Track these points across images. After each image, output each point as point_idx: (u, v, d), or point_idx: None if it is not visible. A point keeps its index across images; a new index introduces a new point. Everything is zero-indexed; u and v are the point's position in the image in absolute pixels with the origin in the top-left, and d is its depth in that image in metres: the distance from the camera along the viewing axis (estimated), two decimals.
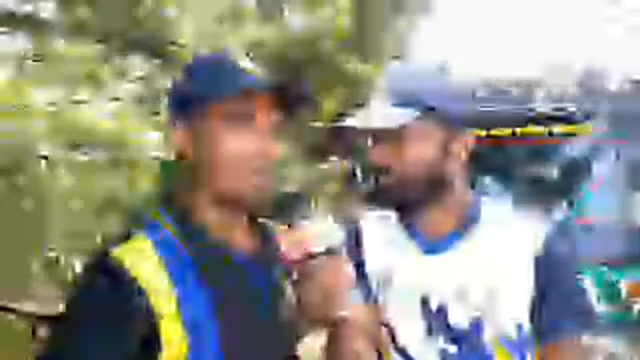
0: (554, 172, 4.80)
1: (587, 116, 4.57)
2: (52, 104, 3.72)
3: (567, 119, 4.51)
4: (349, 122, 1.43)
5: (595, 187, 4.55)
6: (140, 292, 1.06)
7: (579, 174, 4.57)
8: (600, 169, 4.53)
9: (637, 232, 4.57)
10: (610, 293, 3.94)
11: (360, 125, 1.41)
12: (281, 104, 1.20)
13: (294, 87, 1.20)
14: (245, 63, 1.21)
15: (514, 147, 4.64)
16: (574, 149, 4.66)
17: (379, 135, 1.41)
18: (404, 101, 1.38)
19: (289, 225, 1.17)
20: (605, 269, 3.86)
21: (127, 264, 1.07)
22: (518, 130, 4.60)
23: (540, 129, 4.59)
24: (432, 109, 1.38)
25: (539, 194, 4.68)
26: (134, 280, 1.06)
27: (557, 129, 4.65)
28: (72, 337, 1.06)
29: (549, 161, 4.79)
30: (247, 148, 1.15)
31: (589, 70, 4.77)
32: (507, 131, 4.59)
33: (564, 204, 4.75)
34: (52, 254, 4.03)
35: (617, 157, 4.43)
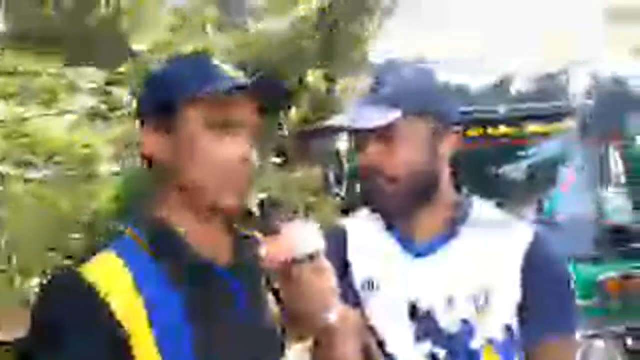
0: (524, 172, 4.81)
1: (561, 115, 4.60)
2: (2, 119, 3.53)
3: (541, 118, 4.54)
4: (335, 122, 1.41)
5: (566, 187, 4.57)
6: (108, 308, 1.02)
7: (551, 174, 4.58)
8: (571, 167, 4.54)
9: (608, 228, 4.60)
10: (590, 289, 3.96)
11: (348, 125, 1.38)
12: (259, 106, 1.16)
13: (271, 86, 1.18)
14: (221, 64, 1.16)
15: (484, 148, 4.64)
16: (545, 148, 4.68)
17: (365, 139, 1.38)
18: (390, 101, 1.34)
19: (269, 230, 1.09)
20: (587, 265, 3.88)
21: (94, 280, 1.03)
22: (490, 130, 4.61)
23: (512, 129, 4.61)
24: (419, 108, 1.36)
25: (508, 194, 4.68)
26: (101, 296, 1.02)
27: (530, 128, 4.67)
28: (38, 355, 1.02)
29: (519, 161, 4.81)
30: (226, 153, 1.10)
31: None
32: (479, 131, 4.59)
33: (535, 204, 4.77)
34: (9, 272, 3.85)
35: (590, 154, 4.46)
